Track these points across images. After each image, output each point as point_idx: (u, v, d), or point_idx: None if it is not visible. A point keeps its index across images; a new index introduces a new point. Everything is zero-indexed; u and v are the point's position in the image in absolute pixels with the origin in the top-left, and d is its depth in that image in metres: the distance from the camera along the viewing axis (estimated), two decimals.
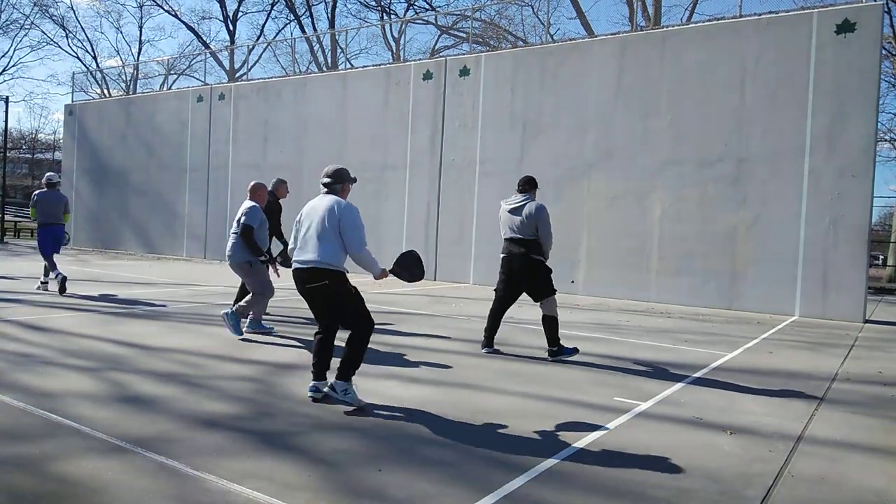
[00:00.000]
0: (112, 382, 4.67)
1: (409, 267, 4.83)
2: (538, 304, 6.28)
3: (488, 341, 6.46)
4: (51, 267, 9.61)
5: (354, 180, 4.65)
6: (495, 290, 6.47)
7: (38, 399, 4.13)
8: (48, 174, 10.29)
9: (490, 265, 14.14)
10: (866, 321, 10.57)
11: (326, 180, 4.53)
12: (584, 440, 3.80)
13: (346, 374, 4.39)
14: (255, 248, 6.60)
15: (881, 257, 27.22)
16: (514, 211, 6.28)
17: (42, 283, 9.89)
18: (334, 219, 4.33)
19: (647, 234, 12.39)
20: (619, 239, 12.64)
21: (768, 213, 11.30)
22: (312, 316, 4.62)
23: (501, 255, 6.36)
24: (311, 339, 4.78)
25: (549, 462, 3.42)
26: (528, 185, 6.48)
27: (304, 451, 3.44)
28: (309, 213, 4.49)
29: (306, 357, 5.83)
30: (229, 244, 6.71)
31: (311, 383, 4.49)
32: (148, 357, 5.54)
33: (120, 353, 5.63)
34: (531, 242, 6.14)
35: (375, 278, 4.65)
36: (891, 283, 22.23)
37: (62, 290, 9.37)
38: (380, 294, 11.32)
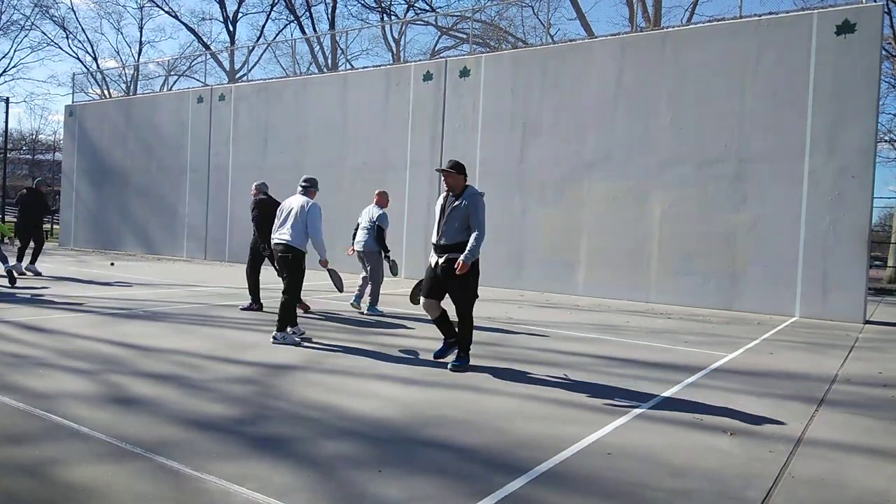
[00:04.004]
0: (111, 384, 4.66)
1: (336, 281, 7.23)
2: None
3: None
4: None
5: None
6: None
7: (37, 400, 4.13)
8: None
9: (490, 266, 14.13)
10: (866, 322, 10.57)
11: (304, 184, 7.04)
12: (583, 441, 3.80)
13: (285, 326, 6.53)
14: (384, 245, 8.82)
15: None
16: None
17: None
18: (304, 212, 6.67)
19: (647, 235, 12.38)
20: (619, 239, 12.64)
21: (768, 214, 11.29)
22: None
23: None
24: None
25: (549, 463, 3.42)
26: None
27: (303, 453, 3.44)
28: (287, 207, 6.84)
29: (304, 359, 5.84)
30: (362, 236, 8.84)
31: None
32: (146, 358, 5.54)
33: (118, 354, 5.63)
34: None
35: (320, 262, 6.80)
36: (891, 283, 22.23)
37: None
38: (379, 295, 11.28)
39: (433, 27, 31.93)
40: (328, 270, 7.00)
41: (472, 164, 14.46)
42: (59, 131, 42.89)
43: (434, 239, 5.72)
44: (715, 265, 11.71)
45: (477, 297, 5.69)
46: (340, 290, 7.37)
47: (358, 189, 15.32)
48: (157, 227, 20.50)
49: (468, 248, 5.48)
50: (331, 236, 9.43)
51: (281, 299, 6.55)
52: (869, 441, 4.10)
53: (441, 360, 5.82)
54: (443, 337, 5.93)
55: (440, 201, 5.79)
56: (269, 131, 17.94)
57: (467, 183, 5.80)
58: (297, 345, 6.35)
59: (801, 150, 11.05)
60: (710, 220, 11.80)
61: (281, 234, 6.63)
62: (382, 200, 9.10)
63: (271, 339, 6.45)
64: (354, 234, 9.05)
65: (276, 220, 6.82)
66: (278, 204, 9.41)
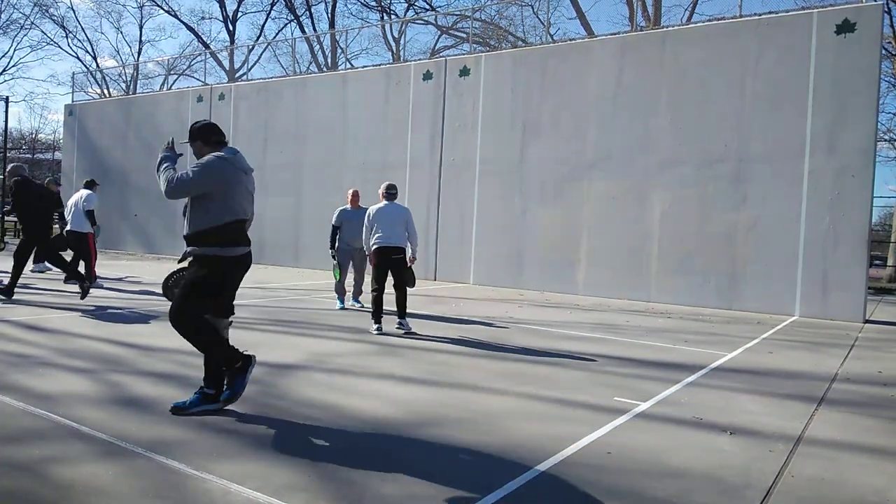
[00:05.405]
0: (111, 383, 4.66)
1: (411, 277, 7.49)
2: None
3: None
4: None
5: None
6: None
7: (37, 400, 4.13)
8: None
9: (490, 265, 14.15)
10: (866, 321, 10.57)
11: (393, 191, 7.71)
12: (583, 440, 3.80)
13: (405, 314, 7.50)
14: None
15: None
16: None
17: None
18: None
19: (646, 235, 12.39)
20: (619, 239, 12.64)
21: (768, 214, 11.29)
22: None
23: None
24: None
25: (549, 462, 3.42)
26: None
27: (303, 452, 3.44)
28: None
29: (305, 358, 5.84)
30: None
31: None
32: (147, 357, 5.54)
33: (119, 354, 5.63)
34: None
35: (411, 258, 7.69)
36: (891, 283, 22.24)
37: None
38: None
39: (433, 26, 31.91)
40: (410, 266, 7.72)
41: (471, 164, 14.48)
42: (58, 130, 42.91)
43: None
44: (715, 265, 11.72)
45: (209, 307, 4.03)
46: (412, 284, 7.90)
47: (357, 188, 15.29)
48: (158, 226, 20.49)
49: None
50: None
51: (396, 294, 7.43)
52: (868, 440, 4.11)
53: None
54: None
55: None
56: (269, 131, 17.94)
57: (219, 153, 4.14)
58: (410, 331, 7.38)
59: (801, 149, 11.05)
60: (710, 220, 11.80)
61: (390, 239, 7.41)
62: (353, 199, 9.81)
63: (396, 327, 7.37)
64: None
65: (370, 227, 7.49)
66: (38, 184, 9.33)
